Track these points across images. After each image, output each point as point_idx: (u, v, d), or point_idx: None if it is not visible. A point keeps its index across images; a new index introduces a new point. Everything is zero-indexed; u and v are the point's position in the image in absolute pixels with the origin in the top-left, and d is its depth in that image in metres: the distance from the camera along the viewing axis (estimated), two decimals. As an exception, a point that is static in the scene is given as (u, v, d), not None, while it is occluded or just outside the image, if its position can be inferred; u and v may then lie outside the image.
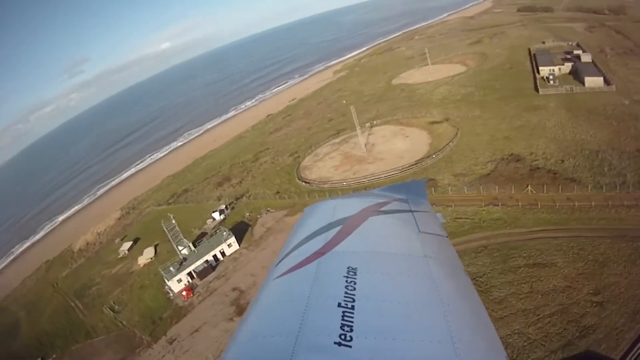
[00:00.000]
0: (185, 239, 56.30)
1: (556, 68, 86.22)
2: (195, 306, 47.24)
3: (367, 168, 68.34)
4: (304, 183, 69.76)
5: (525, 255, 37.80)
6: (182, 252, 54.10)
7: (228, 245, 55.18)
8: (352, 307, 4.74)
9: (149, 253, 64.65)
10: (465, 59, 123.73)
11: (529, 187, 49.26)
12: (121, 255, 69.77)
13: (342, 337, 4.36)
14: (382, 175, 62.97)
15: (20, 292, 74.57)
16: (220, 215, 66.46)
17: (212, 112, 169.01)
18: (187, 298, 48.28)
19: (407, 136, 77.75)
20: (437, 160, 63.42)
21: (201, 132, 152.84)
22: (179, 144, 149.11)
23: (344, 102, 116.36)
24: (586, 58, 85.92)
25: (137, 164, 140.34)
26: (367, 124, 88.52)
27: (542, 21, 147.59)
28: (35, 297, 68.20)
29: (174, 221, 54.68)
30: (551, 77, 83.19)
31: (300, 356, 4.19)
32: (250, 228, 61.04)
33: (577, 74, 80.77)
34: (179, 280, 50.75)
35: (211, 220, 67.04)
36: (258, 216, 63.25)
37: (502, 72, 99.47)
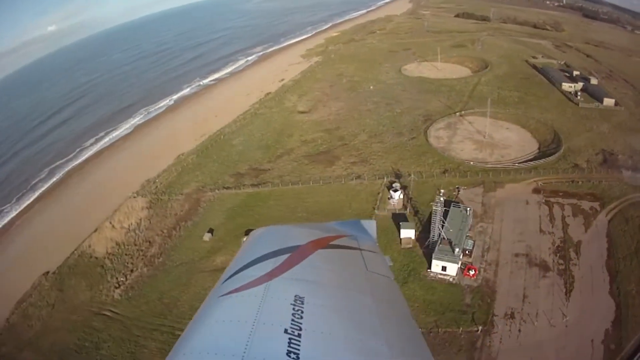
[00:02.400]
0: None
1: (574, 85, 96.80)
2: (494, 279, 41.67)
3: (509, 153, 71.60)
4: (471, 163, 68.41)
5: None
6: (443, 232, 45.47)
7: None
8: (299, 335, 4.71)
9: None
10: (463, 61, 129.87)
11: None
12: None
13: None
14: (526, 158, 68.39)
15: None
16: (398, 194, 57.86)
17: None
18: (474, 277, 41.94)
19: (507, 128, 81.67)
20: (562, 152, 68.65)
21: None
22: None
23: (371, 87, 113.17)
24: (594, 81, 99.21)
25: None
26: (457, 114, 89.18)
27: (505, 33, 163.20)
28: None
29: (442, 198, 45.49)
30: (578, 93, 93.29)
31: None
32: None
33: (591, 94, 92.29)
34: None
35: (394, 199, 58.07)
36: (454, 193, 57.35)
37: (522, 81, 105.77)
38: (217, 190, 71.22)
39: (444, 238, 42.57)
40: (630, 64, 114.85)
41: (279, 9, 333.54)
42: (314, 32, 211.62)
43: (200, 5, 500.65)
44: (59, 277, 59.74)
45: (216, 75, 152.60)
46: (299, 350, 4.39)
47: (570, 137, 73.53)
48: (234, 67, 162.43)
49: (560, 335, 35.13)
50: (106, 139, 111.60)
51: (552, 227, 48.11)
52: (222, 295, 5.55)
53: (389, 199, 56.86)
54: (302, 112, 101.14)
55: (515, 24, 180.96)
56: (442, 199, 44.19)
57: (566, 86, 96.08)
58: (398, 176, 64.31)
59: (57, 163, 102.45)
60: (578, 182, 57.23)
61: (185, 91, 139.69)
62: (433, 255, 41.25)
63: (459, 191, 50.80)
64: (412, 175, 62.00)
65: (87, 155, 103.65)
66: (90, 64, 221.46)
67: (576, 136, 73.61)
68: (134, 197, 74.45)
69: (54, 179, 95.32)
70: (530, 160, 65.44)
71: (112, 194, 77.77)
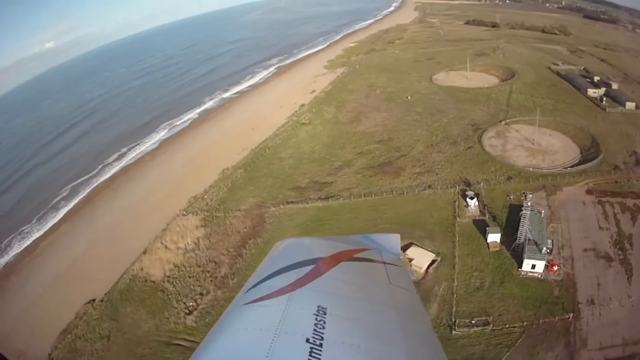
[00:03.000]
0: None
1: (597, 91, 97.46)
2: (572, 272, 45.55)
3: (557, 158, 73.14)
4: (531, 169, 68.57)
5: None
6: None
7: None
8: (320, 345, 4.70)
9: (422, 255, 48.02)
10: (489, 69, 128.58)
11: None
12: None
13: None
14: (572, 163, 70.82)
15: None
16: (474, 202, 57.94)
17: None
18: (557, 272, 45.15)
19: (550, 135, 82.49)
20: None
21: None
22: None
23: (408, 97, 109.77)
24: (615, 86, 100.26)
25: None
26: (502, 122, 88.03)
27: (520, 40, 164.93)
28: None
29: (529, 203, 46.90)
30: (604, 99, 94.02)
31: None
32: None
33: (614, 98, 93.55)
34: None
35: (471, 207, 57.77)
36: (522, 198, 54.03)
37: (550, 89, 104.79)
38: (281, 205, 64.20)
39: (529, 239, 45.32)
40: None
41: (283, 20, 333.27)
42: (327, 43, 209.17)
43: (201, 17, 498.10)
44: (110, 305, 51.36)
45: (238, 88, 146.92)
46: (320, 359, 4.38)
47: (605, 141, 74.70)
48: (254, 79, 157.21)
49: (629, 313, 40.54)
50: (131, 155, 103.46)
51: (607, 223, 53.20)
52: (245, 304, 5.60)
53: (465, 206, 57.09)
54: (346, 124, 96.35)
55: (524, 29, 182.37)
56: (529, 203, 46.89)
57: (591, 92, 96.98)
58: (467, 184, 63.75)
59: (79, 180, 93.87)
60: (620, 182, 61.60)
61: (209, 104, 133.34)
62: (525, 255, 44.21)
63: (526, 196, 50.90)
64: (482, 183, 62.98)
65: (112, 172, 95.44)
66: (96, 79, 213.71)
67: (610, 139, 74.89)
68: (183, 215, 66.39)
69: (79, 197, 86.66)
70: (577, 164, 68.16)
71: (154, 213, 70.01)
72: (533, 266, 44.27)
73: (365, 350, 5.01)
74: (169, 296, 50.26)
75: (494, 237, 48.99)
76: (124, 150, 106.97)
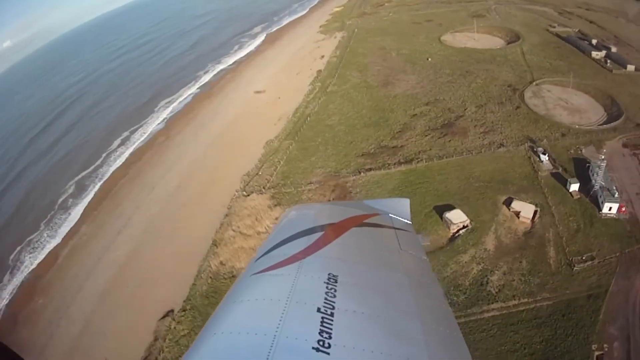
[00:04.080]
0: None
1: (599, 54, 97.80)
2: (634, 212, 48.25)
3: (589, 116, 74.12)
4: (577, 126, 69.54)
5: None
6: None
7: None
8: (332, 314, 4.65)
9: (525, 207, 49.66)
10: (491, 31, 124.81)
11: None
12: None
13: (321, 343, 4.28)
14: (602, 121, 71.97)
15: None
16: (546, 157, 60.06)
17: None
18: (625, 212, 48.58)
19: (575, 94, 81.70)
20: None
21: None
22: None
23: (429, 59, 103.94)
24: (614, 49, 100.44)
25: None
26: (534, 83, 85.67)
27: (509, 1, 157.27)
28: None
29: (603, 156, 51.68)
30: (608, 61, 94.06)
31: (278, 358, 4.08)
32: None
33: (615, 61, 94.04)
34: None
35: (545, 161, 59.63)
36: (580, 151, 60.61)
37: (558, 51, 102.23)
38: (361, 173, 56.23)
39: (603, 186, 50.59)
40: (629, 29, 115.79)
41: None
42: (307, 9, 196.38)
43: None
44: (197, 313, 41.97)
45: (233, 58, 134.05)
46: (331, 329, 4.37)
47: (620, 100, 74.96)
48: (247, 49, 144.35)
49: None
50: (137, 139, 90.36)
51: None
52: (255, 274, 5.48)
53: (540, 161, 59.42)
54: (379, 87, 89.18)
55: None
56: (603, 156, 51.54)
57: (594, 54, 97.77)
58: (532, 141, 64.77)
59: (83, 174, 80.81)
60: None
61: (208, 78, 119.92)
62: (604, 200, 49.33)
63: (582, 150, 57.60)
64: (545, 140, 65.29)
65: (122, 160, 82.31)
66: (66, 67, 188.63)
67: (624, 100, 75.15)
68: (244, 195, 56.85)
69: (92, 192, 74.07)
70: (607, 122, 70.43)
71: (202, 198, 59.98)
72: (610, 208, 49.90)
73: (378, 319, 4.96)
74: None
75: (575, 187, 53.30)
76: (125, 134, 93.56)
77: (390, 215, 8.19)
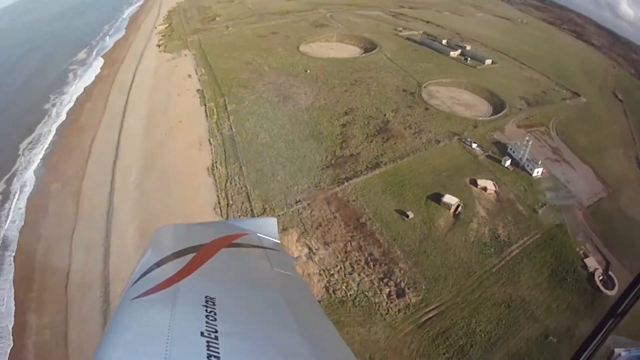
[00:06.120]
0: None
1: (457, 53, 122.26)
2: (548, 171, 66.74)
3: (480, 109, 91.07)
4: (480, 118, 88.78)
5: None
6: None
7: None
8: (216, 338, 4.55)
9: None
10: (342, 39, 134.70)
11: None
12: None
13: None
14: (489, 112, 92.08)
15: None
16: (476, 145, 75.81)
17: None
18: (545, 173, 68.64)
19: (459, 91, 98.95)
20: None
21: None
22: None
23: (307, 71, 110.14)
24: (468, 47, 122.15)
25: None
26: (422, 86, 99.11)
27: (337, 9, 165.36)
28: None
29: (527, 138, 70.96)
30: (468, 59, 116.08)
31: None
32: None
33: (472, 57, 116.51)
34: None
35: (476, 149, 74.58)
36: (493, 137, 77.66)
37: (419, 54, 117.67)
38: (345, 183, 64.67)
39: (529, 158, 70.42)
40: (465, 24, 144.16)
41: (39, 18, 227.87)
42: (124, 30, 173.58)
43: None
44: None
45: (79, 87, 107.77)
46: (219, 353, 4.28)
47: (496, 92, 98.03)
48: (89, 76, 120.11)
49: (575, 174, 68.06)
50: None
51: (540, 141, 78.22)
52: (134, 299, 5.21)
53: (473, 149, 74.87)
54: (280, 103, 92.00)
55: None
56: (527, 138, 71.31)
57: (452, 54, 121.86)
58: (458, 134, 79.20)
59: None
60: (529, 118, 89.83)
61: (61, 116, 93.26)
62: (533, 167, 67.48)
63: (494, 136, 74.38)
64: (465, 132, 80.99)
65: None
66: None
67: (497, 90, 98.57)
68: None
69: None
70: (496, 112, 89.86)
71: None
72: (538, 172, 68.53)
73: (263, 338, 5.05)
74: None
75: (508, 162, 71.40)
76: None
77: (258, 234, 8.05)
